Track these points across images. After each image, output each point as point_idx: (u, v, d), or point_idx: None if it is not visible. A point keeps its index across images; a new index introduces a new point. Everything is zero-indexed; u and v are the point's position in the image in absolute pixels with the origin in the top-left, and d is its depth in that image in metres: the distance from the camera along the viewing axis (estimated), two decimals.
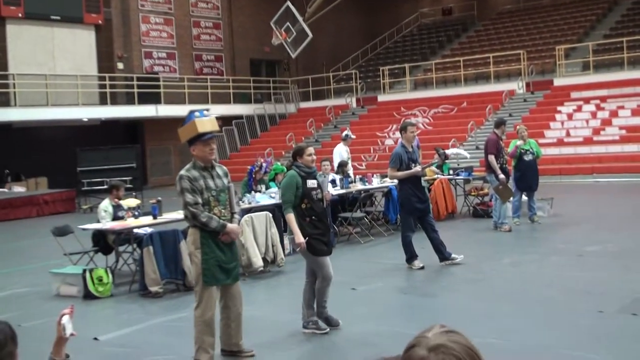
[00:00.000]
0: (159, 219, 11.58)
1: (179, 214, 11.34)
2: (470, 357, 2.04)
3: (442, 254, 11.35)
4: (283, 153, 32.52)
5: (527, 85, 33.01)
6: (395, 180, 12.14)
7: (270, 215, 11.78)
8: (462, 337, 2.10)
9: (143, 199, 19.13)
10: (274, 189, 14.00)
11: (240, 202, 12.66)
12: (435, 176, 16.74)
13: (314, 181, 7.99)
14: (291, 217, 7.82)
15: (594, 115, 28.76)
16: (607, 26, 36.98)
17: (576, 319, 8.09)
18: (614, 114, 28.24)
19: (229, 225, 7.03)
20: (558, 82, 32.46)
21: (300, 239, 7.73)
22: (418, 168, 11.28)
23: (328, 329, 7.94)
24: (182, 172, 7.05)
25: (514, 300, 9.14)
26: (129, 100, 33.52)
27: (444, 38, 43.11)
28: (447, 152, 17.37)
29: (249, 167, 15.51)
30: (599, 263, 11.13)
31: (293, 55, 37.64)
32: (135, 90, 32.88)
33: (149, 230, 11.29)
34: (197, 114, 7.15)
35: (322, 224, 7.98)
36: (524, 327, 7.89)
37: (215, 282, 6.99)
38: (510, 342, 7.35)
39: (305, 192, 7.87)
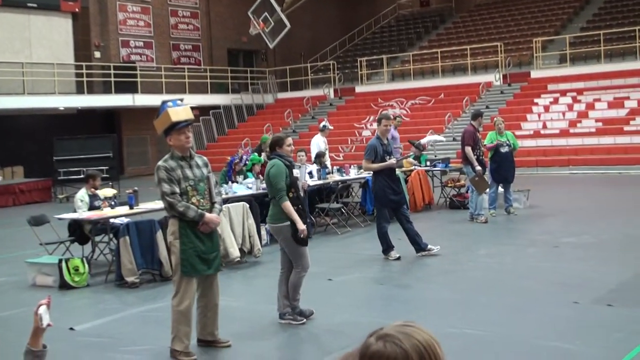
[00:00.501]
0: (136, 209, 11.53)
1: (156, 204, 11.34)
2: (415, 350, 2.07)
3: (419, 245, 11.39)
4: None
5: (504, 77, 33.12)
6: (370, 172, 12.16)
7: (247, 205, 11.77)
8: (418, 332, 2.12)
9: (120, 189, 19.07)
10: (251, 180, 13.97)
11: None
12: (413, 167, 16.77)
13: (297, 171, 8.02)
14: (288, 205, 7.78)
15: (570, 107, 28.92)
16: (584, 19, 37.16)
17: (552, 310, 8.15)
18: (591, 106, 28.41)
19: (207, 214, 7.02)
20: (535, 74, 32.61)
21: (302, 225, 7.74)
22: (393, 160, 11.32)
23: (305, 320, 7.96)
24: (160, 162, 7.04)
25: (489, 291, 9.19)
26: (105, 89, 33.32)
27: (421, 29, 43.15)
28: (423, 141, 17.48)
29: (228, 157, 15.48)
30: (575, 254, 11.22)
31: (271, 46, 37.59)
32: (112, 79, 32.66)
33: (125, 220, 11.24)
34: (169, 104, 7.13)
35: (304, 212, 8.02)
36: (500, 317, 7.95)
37: (194, 273, 6.98)
38: (486, 332, 7.40)
39: (292, 182, 7.88)
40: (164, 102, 7.19)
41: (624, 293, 8.83)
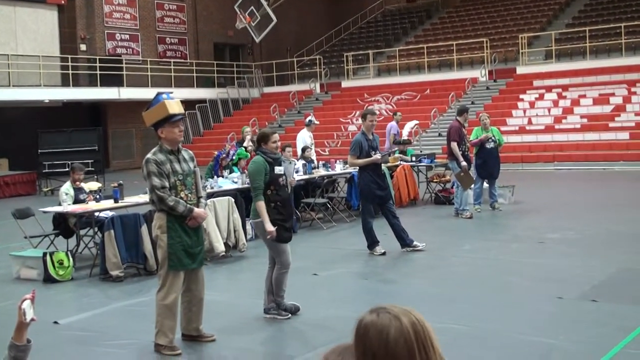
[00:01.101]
0: (121, 203, 11.51)
1: (141, 198, 11.32)
2: (411, 324, 2.17)
3: (404, 241, 11.42)
4: None
5: (490, 73, 33.22)
6: (356, 167, 12.17)
7: (233, 200, 11.77)
8: (415, 312, 2.23)
9: (105, 182, 18.99)
10: (237, 174, 13.96)
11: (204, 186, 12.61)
12: (398, 163, 16.79)
13: (281, 167, 7.97)
14: (261, 205, 7.78)
15: (555, 103, 29.04)
16: (570, 15, 37.27)
17: (536, 305, 8.20)
18: (576, 102, 28.53)
19: (196, 209, 7.02)
20: (521, 70, 32.71)
21: (270, 227, 7.70)
22: (378, 156, 11.33)
23: (290, 315, 7.96)
24: (149, 155, 7.00)
25: (474, 286, 9.23)
26: (91, 82, 33.18)
27: (407, 25, 43.15)
28: (405, 134, 17.54)
29: (215, 152, 15.46)
30: (560, 250, 11.26)
31: (257, 40, 37.53)
32: (98, 72, 32.54)
33: (110, 213, 11.22)
34: (164, 95, 7.12)
35: (286, 210, 7.98)
36: (484, 312, 7.98)
37: (180, 267, 6.97)
38: (470, 327, 7.42)
39: (272, 179, 7.85)
40: (159, 94, 7.18)
41: (607, 289, 8.88)
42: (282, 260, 7.94)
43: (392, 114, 20.58)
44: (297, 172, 14.52)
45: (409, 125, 19.44)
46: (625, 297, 8.54)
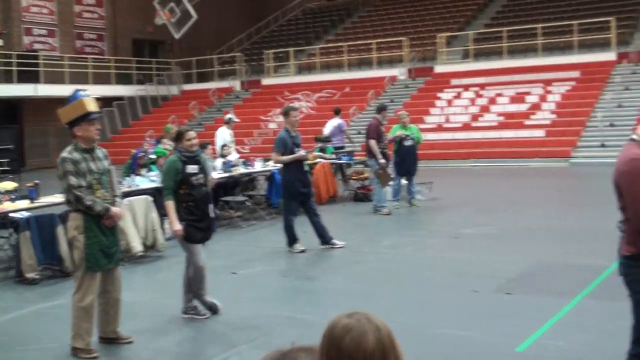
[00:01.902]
0: (37, 203, 11.26)
1: (57, 198, 11.10)
2: (385, 327, 2.28)
3: (324, 238, 11.49)
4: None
5: (410, 71, 33.61)
6: (279, 165, 12.20)
7: (151, 199, 11.65)
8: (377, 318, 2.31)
9: (21, 182, 18.57)
10: (155, 173, 13.82)
11: (120, 185, 12.46)
12: (317, 160, 16.86)
13: (195, 166, 7.88)
14: (170, 205, 7.73)
15: (473, 102, 29.59)
16: (488, 16, 37.98)
17: (452, 299, 8.36)
18: (492, 101, 29.13)
19: (113, 208, 6.93)
20: (439, 69, 33.21)
21: (176, 227, 7.67)
22: (302, 152, 11.38)
23: (208, 314, 7.92)
24: (64, 154, 6.87)
25: (392, 282, 9.36)
26: (7, 78, 32.40)
27: (328, 23, 43.34)
28: (326, 132, 17.65)
29: (132, 150, 15.29)
30: (476, 245, 11.51)
31: (176, 36, 37.18)
32: (14, 68, 31.82)
33: (26, 214, 10.99)
34: (82, 92, 7.01)
35: (199, 210, 7.86)
36: (402, 307, 8.09)
37: (97, 268, 6.88)
38: (389, 322, 7.50)
39: (184, 178, 7.77)
40: (76, 91, 7.06)
41: (522, 282, 9.11)
42: (193, 261, 7.86)
43: (333, 111, 20.63)
44: (215, 170, 14.47)
45: (331, 124, 19.55)
46: (539, 289, 8.79)
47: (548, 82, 29.25)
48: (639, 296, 4.59)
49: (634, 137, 4.64)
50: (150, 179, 13.47)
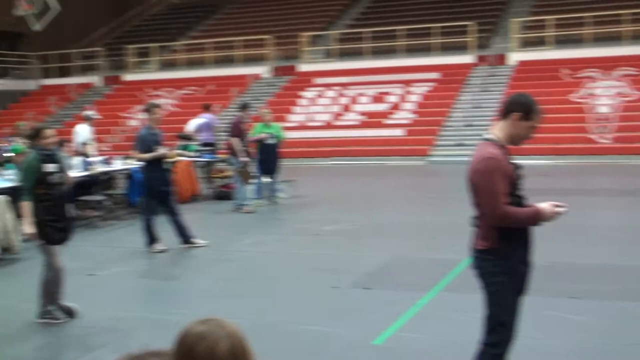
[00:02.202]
0: None
1: None
2: (239, 333, 2.28)
3: (185, 237, 11.40)
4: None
5: (274, 70, 33.72)
6: (140, 163, 12.01)
7: (8, 198, 11.22)
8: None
9: None
10: (11, 171, 13.34)
11: None
12: (177, 158, 16.68)
13: (53, 165, 7.65)
14: (25, 205, 7.49)
15: (335, 101, 29.97)
16: (352, 16, 38.49)
17: (312, 295, 8.48)
18: (354, 100, 29.59)
19: None
20: (302, 68, 33.45)
21: (28, 229, 7.44)
22: (163, 150, 11.26)
23: (65, 319, 7.69)
24: None
25: (253, 279, 9.40)
26: None
27: (193, 19, 42.90)
28: (191, 130, 17.55)
29: None
30: (335, 241, 11.68)
31: (36, 29, 35.91)
32: None
33: None
34: None
35: (58, 210, 7.65)
36: (262, 304, 8.13)
37: None
38: (247, 320, 7.48)
39: (41, 177, 7.53)
40: None
41: (379, 276, 9.34)
42: (51, 263, 7.64)
43: (204, 106, 20.41)
44: (73, 168, 14.10)
45: (197, 121, 19.40)
46: (397, 283, 9.03)
47: (409, 83, 29.96)
48: (491, 288, 4.75)
49: (488, 136, 4.79)
50: (5, 179, 12.98)
